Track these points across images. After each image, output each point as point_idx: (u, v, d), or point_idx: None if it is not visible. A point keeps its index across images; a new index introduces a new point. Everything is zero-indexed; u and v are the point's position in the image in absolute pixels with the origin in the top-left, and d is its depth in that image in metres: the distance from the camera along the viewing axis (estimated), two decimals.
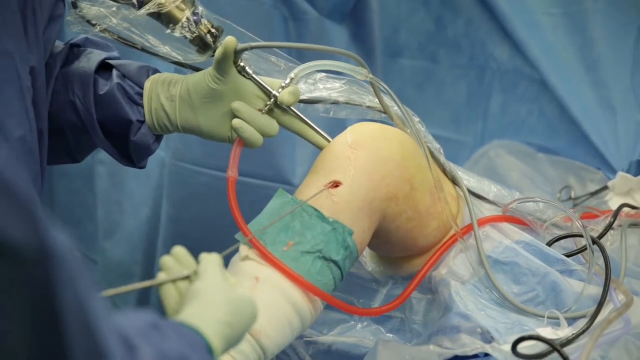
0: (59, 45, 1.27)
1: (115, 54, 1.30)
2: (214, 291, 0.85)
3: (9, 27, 1.03)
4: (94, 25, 1.26)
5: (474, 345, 1.15)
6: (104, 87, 1.24)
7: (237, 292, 0.86)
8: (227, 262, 1.16)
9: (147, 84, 1.26)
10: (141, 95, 1.26)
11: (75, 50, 1.28)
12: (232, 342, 0.84)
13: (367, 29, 1.96)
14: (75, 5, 1.25)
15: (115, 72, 1.26)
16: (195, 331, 0.79)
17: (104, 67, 1.27)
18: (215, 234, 1.05)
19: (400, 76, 2.03)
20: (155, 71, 1.29)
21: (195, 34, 1.22)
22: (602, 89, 1.81)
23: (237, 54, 1.20)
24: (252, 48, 1.21)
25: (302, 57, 1.33)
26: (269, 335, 1.08)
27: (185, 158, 1.86)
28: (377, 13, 1.95)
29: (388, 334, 1.31)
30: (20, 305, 0.57)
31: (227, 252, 1.03)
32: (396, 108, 1.29)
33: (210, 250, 0.96)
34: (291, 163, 1.81)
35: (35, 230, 0.58)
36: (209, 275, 0.87)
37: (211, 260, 0.90)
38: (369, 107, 1.31)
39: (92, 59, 1.26)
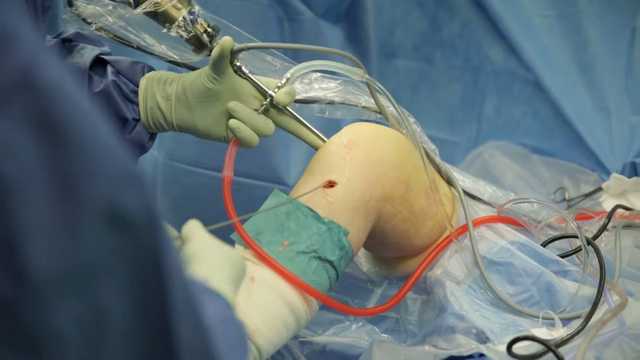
0: (49, 39, 1.27)
1: (106, 48, 1.30)
2: (211, 250, 0.85)
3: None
4: (89, 24, 1.26)
5: (468, 346, 1.15)
6: (98, 83, 1.24)
7: (229, 248, 0.86)
8: None
9: (143, 82, 1.25)
10: (136, 92, 1.25)
11: (66, 45, 1.28)
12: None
13: (361, 30, 1.96)
14: (70, 4, 1.25)
15: (109, 69, 1.25)
16: (215, 292, 0.79)
17: (97, 62, 1.26)
18: (210, 227, 1.05)
19: (394, 77, 2.03)
20: (150, 68, 1.28)
21: (191, 33, 1.22)
22: (596, 91, 1.82)
23: (234, 53, 1.20)
24: (248, 48, 1.21)
25: (297, 57, 1.33)
26: (264, 335, 1.08)
27: (178, 157, 1.85)
28: (372, 14, 1.96)
29: (383, 334, 1.31)
30: (130, 277, 0.58)
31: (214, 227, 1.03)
32: (392, 108, 1.29)
33: None
34: (286, 163, 1.81)
35: (144, 196, 0.58)
36: (198, 236, 0.87)
37: (193, 224, 0.89)
38: (364, 107, 1.31)
39: (85, 54, 1.26)
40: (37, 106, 0.54)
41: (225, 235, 1.15)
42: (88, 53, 1.26)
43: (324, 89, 1.30)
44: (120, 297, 0.57)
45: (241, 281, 0.86)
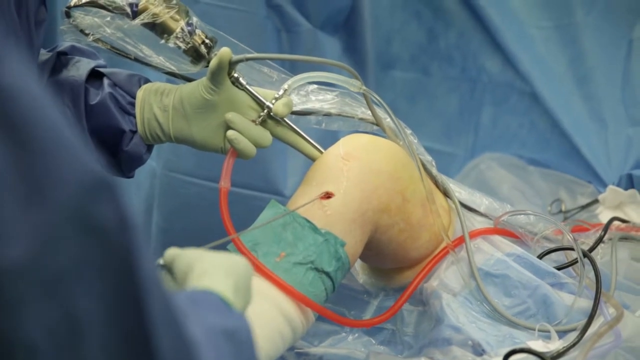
0: (44, 52, 1.27)
1: (101, 61, 1.30)
2: (208, 256, 0.84)
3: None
4: (87, 35, 1.26)
5: (464, 358, 1.15)
6: (95, 96, 1.24)
7: (231, 255, 0.85)
8: None
9: (140, 93, 1.26)
10: (133, 104, 1.26)
11: (62, 58, 1.28)
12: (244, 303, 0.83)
13: (359, 41, 1.96)
14: (68, 15, 1.25)
15: (106, 81, 1.26)
16: (219, 297, 0.78)
17: (93, 75, 1.26)
18: (206, 245, 1.04)
19: (392, 88, 2.03)
20: (146, 80, 1.29)
21: (189, 45, 1.22)
22: (592, 102, 1.82)
23: (232, 65, 1.21)
24: (247, 59, 1.22)
25: (294, 68, 1.34)
26: (260, 346, 1.08)
27: (176, 168, 1.85)
28: (370, 25, 1.96)
29: (379, 346, 1.31)
30: (102, 283, 0.56)
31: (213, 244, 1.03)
32: (388, 120, 1.29)
33: None
34: (282, 174, 1.81)
35: (114, 201, 0.57)
36: (189, 252, 0.86)
37: (172, 251, 0.88)
38: (361, 119, 1.31)
39: (81, 67, 1.26)
40: None
41: (222, 246, 1.15)
42: (84, 66, 1.26)
43: (321, 100, 1.30)
44: (94, 305, 0.56)
45: (248, 287, 0.85)
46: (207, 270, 0.81)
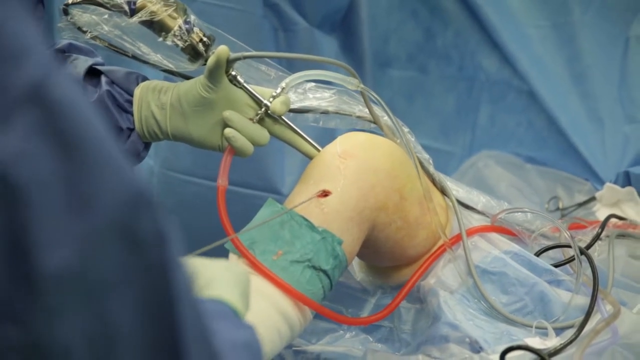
0: None
1: (99, 59, 1.30)
2: (211, 264, 0.85)
3: None
4: (84, 32, 1.26)
5: (462, 355, 1.15)
6: (92, 94, 1.24)
7: (228, 263, 0.86)
8: None
9: (137, 91, 1.26)
10: (130, 102, 1.26)
11: (59, 56, 1.28)
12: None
13: (356, 40, 1.97)
14: (66, 12, 1.25)
15: (103, 79, 1.26)
16: (230, 308, 0.79)
17: (90, 73, 1.26)
18: (204, 244, 1.05)
19: (389, 86, 2.04)
20: (144, 78, 1.29)
21: (187, 42, 1.22)
22: (590, 101, 1.82)
23: (229, 63, 1.21)
24: (244, 57, 1.22)
25: (292, 66, 1.34)
26: None
27: (174, 167, 1.85)
28: (367, 24, 1.96)
29: (376, 343, 1.31)
30: (138, 295, 0.58)
31: (205, 249, 1.03)
32: (386, 118, 1.29)
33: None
34: (280, 172, 1.81)
35: (154, 215, 0.59)
36: (195, 261, 0.87)
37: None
38: (358, 117, 1.31)
39: (79, 65, 1.26)
40: (49, 119, 0.54)
41: (220, 244, 1.16)
42: (81, 64, 1.26)
43: (318, 98, 1.31)
44: (129, 316, 0.57)
45: (248, 293, 0.86)
46: (213, 279, 0.82)
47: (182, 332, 0.60)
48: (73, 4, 1.24)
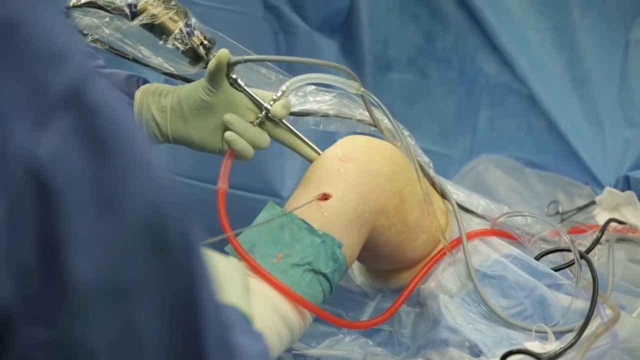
0: None
1: (100, 62, 1.30)
2: (217, 261, 0.85)
3: None
4: (85, 35, 1.26)
5: (461, 359, 1.15)
6: (108, 84, 1.24)
7: (229, 259, 0.87)
8: None
9: (138, 94, 1.26)
10: (131, 105, 1.26)
11: None
12: None
13: (356, 43, 1.97)
14: (66, 15, 1.25)
15: (104, 82, 1.25)
16: (243, 315, 0.81)
17: None
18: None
19: (389, 90, 2.03)
20: (145, 81, 1.29)
21: (187, 46, 1.22)
22: (590, 104, 1.82)
23: (230, 66, 1.21)
24: (245, 61, 1.22)
25: (292, 70, 1.34)
26: None
27: (174, 170, 1.83)
28: (367, 27, 1.96)
29: (376, 347, 1.31)
30: (164, 301, 0.58)
31: (209, 241, 1.03)
32: (386, 121, 1.29)
33: None
34: (280, 175, 1.81)
35: (183, 221, 0.59)
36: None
37: None
38: (358, 120, 1.31)
39: None
40: (86, 122, 0.55)
41: (219, 247, 1.16)
42: None
43: (319, 101, 1.31)
44: (154, 323, 0.58)
45: (247, 286, 0.87)
46: (223, 279, 0.83)
47: (206, 342, 0.61)
48: (74, 7, 1.24)
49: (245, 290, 0.84)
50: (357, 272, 1.39)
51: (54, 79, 0.55)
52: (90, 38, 1.26)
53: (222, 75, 1.20)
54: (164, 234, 0.58)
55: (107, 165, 0.56)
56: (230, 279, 0.83)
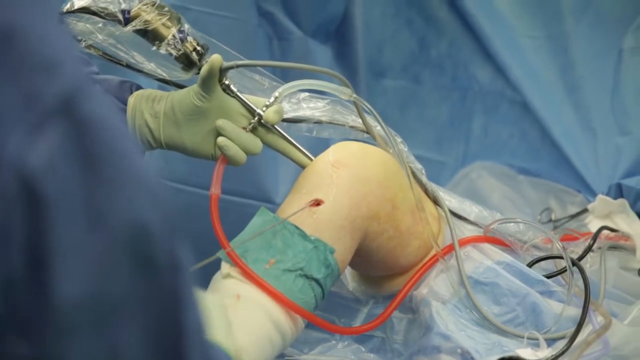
0: None
1: (94, 68, 1.30)
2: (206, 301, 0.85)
3: None
4: (79, 41, 1.26)
5: None
6: (103, 93, 1.24)
7: (212, 295, 0.86)
8: (208, 280, 1.16)
9: (131, 100, 1.26)
10: (124, 111, 1.26)
11: None
12: None
13: (350, 49, 1.97)
14: (62, 21, 1.25)
15: (98, 90, 1.25)
16: (224, 353, 0.79)
17: None
18: (197, 253, 1.04)
19: (383, 96, 2.04)
20: (138, 87, 1.29)
21: (180, 51, 1.22)
22: (582, 111, 1.82)
23: (223, 71, 1.21)
24: (237, 66, 1.22)
25: (286, 76, 1.34)
26: (249, 352, 1.08)
27: (167, 175, 1.84)
28: (361, 33, 1.97)
29: (369, 353, 1.31)
30: (148, 321, 0.57)
31: (201, 264, 1.03)
32: (379, 127, 1.29)
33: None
34: (274, 181, 1.81)
35: (172, 240, 0.58)
36: None
37: None
38: (351, 127, 1.31)
39: None
40: (77, 133, 0.55)
41: (212, 253, 1.16)
42: None
43: (312, 108, 1.31)
44: (136, 342, 0.57)
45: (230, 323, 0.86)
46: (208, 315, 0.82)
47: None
48: (68, 12, 1.24)
49: (228, 327, 0.83)
50: (349, 278, 1.39)
51: (47, 88, 0.55)
52: (84, 44, 1.26)
53: (215, 80, 1.20)
54: (150, 252, 0.57)
55: (97, 177, 0.55)
56: (214, 313, 0.82)
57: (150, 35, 1.22)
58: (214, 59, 1.19)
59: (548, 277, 1.28)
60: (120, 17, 1.21)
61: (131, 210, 0.57)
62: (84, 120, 0.56)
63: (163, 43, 1.21)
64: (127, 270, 0.56)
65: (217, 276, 1.15)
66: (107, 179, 0.56)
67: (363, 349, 1.31)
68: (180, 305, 0.59)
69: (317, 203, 1.18)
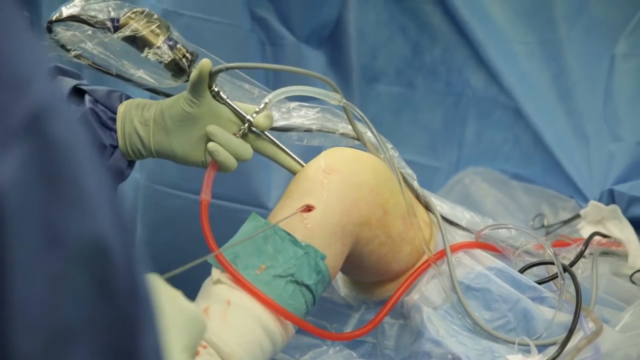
0: None
1: (84, 81, 1.30)
2: (171, 312, 0.83)
3: None
4: (68, 50, 1.26)
5: None
6: (75, 112, 1.24)
7: (189, 306, 0.84)
8: (198, 286, 1.16)
9: (121, 108, 1.25)
10: (114, 119, 1.25)
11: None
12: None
13: (344, 55, 1.97)
14: (49, 30, 1.25)
15: (87, 97, 1.25)
16: None
17: (74, 93, 1.26)
18: (189, 258, 1.05)
19: (377, 101, 2.04)
20: (127, 97, 1.28)
21: (169, 58, 1.22)
22: (575, 118, 1.83)
23: (212, 76, 1.21)
24: (227, 69, 1.22)
25: (278, 83, 1.33)
26: (239, 358, 1.08)
27: (160, 180, 1.85)
28: (355, 39, 1.97)
29: (360, 359, 1.31)
30: (104, 345, 0.56)
31: (188, 266, 1.03)
32: (369, 133, 1.29)
33: (184, 274, 0.96)
34: (266, 187, 1.81)
35: (130, 269, 0.58)
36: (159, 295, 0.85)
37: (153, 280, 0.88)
38: (342, 134, 1.31)
39: (63, 85, 1.26)
40: (42, 152, 0.54)
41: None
42: (66, 84, 1.26)
43: (302, 116, 1.31)
44: None
45: (198, 343, 0.84)
46: (169, 332, 0.81)
47: None
48: (57, 20, 1.24)
49: (189, 347, 0.81)
50: (341, 284, 1.39)
51: (16, 105, 0.54)
52: (73, 53, 1.26)
53: (205, 86, 1.20)
54: (106, 274, 0.56)
55: (57, 197, 0.55)
56: (173, 327, 0.81)
57: (139, 43, 1.22)
58: (204, 62, 1.19)
59: (540, 283, 1.28)
60: (109, 25, 1.21)
61: (90, 231, 0.56)
62: (51, 139, 0.55)
63: (151, 50, 1.21)
64: (83, 292, 0.55)
65: (208, 282, 1.15)
66: (67, 199, 0.55)
67: (355, 355, 1.31)
68: (138, 330, 0.58)
69: (308, 209, 1.18)
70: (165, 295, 0.84)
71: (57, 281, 0.54)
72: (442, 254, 1.29)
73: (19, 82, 0.55)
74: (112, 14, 1.21)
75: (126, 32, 1.21)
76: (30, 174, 0.54)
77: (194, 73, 1.19)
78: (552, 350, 1.16)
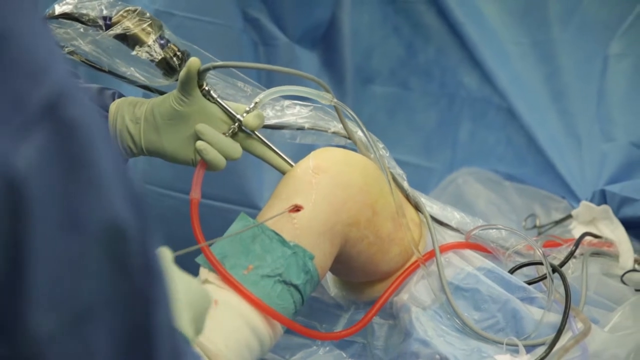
0: None
1: (80, 80, 1.30)
2: (178, 285, 0.85)
3: None
4: (61, 48, 1.26)
5: None
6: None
7: (195, 282, 0.86)
8: None
9: (113, 106, 1.26)
10: (105, 118, 1.26)
11: None
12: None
13: (338, 55, 1.97)
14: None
15: (84, 95, 1.26)
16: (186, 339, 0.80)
17: None
18: (181, 257, 1.05)
19: (371, 102, 2.04)
20: (120, 95, 1.29)
21: (160, 56, 1.22)
22: (567, 118, 1.83)
23: (201, 74, 1.21)
24: (214, 67, 1.22)
25: (272, 82, 1.34)
26: (227, 358, 1.08)
27: (152, 180, 1.85)
28: (349, 39, 1.97)
29: (350, 359, 1.31)
30: (120, 320, 0.58)
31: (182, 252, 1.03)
32: (360, 133, 1.30)
33: None
34: (258, 186, 1.81)
35: (145, 246, 0.60)
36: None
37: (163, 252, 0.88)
38: (333, 133, 1.31)
39: None
40: (61, 137, 0.56)
41: (191, 258, 1.16)
42: None
43: (295, 114, 1.31)
44: (107, 342, 0.58)
45: (204, 318, 0.86)
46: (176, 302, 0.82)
47: None
48: (50, 18, 1.25)
49: (195, 321, 0.83)
50: (331, 284, 1.39)
51: (34, 91, 0.55)
52: (66, 50, 1.26)
53: (194, 84, 1.20)
54: (123, 253, 0.58)
55: (76, 179, 0.56)
56: (180, 299, 0.83)
57: (130, 41, 1.22)
58: (191, 61, 1.19)
59: (529, 283, 1.28)
60: (102, 23, 1.22)
61: (107, 212, 0.58)
62: (68, 123, 0.57)
63: (142, 48, 1.22)
64: (102, 271, 0.57)
65: None
66: (86, 181, 0.57)
67: (344, 355, 1.31)
68: (153, 307, 0.60)
69: (297, 209, 1.19)
70: (173, 271, 0.86)
71: (77, 261, 0.56)
72: (431, 254, 1.29)
73: (37, 68, 0.57)
74: (105, 12, 1.22)
75: (118, 29, 1.21)
76: (50, 158, 0.55)
77: (182, 72, 1.19)
78: (540, 351, 1.16)
